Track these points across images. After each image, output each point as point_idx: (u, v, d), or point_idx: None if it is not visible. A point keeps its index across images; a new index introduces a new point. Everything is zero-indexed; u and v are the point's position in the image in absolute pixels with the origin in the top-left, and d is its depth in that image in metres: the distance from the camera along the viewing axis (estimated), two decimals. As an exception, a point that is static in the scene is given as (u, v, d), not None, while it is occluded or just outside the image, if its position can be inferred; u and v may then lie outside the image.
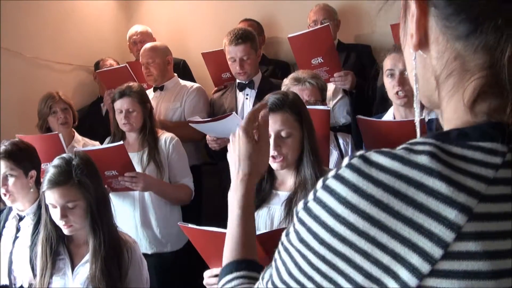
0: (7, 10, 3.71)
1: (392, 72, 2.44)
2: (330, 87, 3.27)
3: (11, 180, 2.49)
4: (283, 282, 0.68)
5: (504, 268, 0.57)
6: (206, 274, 1.76)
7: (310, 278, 0.64)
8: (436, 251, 0.57)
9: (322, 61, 3.07)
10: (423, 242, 0.57)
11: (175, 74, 3.78)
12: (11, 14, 3.76)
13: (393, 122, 2.42)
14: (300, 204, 0.67)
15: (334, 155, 2.63)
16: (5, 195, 2.49)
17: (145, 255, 2.35)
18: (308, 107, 2.34)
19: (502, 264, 0.57)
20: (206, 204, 3.69)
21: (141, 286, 2.16)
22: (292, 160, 1.94)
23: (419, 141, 0.63)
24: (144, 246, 2.94)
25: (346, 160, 0.64)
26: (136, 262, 2.14)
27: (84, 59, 4.46)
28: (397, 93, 2.41)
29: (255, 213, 1.94)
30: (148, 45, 3.73)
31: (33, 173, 2.53)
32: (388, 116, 2.57)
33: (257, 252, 1.58)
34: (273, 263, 0.72)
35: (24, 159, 2.53)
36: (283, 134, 1.90)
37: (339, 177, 0.62)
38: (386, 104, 2.73)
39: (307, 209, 0.65)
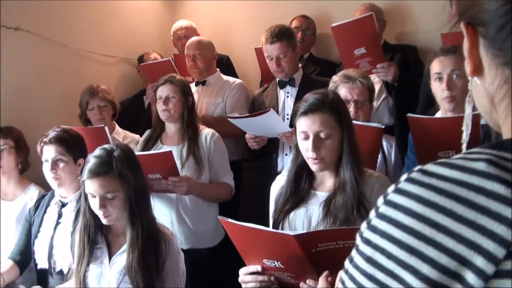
0: (56, 3, 3.80)
1: (440, 76, 2.39)
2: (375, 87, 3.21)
3: (61, 165, 2.55)
4: None
5: None
6: (242, 271, 1.75)
7: None
8: (499, 251, 0.58)
9: (365, 51, 3.02)
10: (487, 244, 0.59)
11: (218, 69, 3.79)
12: (59, 8, 3.84)
13: (445, 119, 2.35)
14: (363, 225, 0.69)
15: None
16: (54, 178, 2.55)
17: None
18: (361, 123, 2.31)
19: None
20: (244, 200, 3.68)
21: (177, 278, 2.17)
22: (331, 162, 1.91)
23: (474, 150, 0.66)
24: (179, 241, 2.93)
25: (404, 176, 0.67)
26: (173, 254, 2.14)
27: (128, 52, 4.52)
28: (446, 97, 2.36)
29: (292, 213, 1.93)
30: (195, 38, 3.77)
31: (81, 161, 2.58)
32: None
33: (295, 252, 1.57)
34: None
35: (74, 146, 2.60)
36: (322, 135, 1.86)
37: (400, 191, 0.66)
38: (431, 107, 2.67)
39: (371, 228, 0.67)
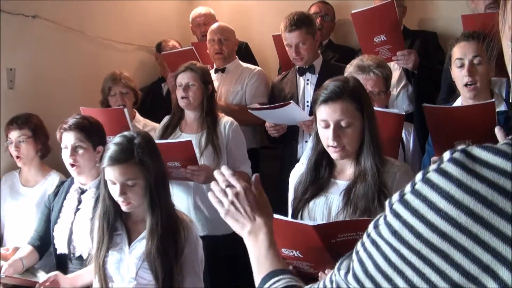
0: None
1: (461, 62, 2.36)
2: (394, 74, 3.17)
3: (80, 152, 2.56)
4: (368, 275, 0.67)
5: None
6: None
7: (400, 272, 0.63)
8: None
9: (385, 39, 2.99)
10: None
11: (236, 57, 3.78)
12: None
13: (462, 109, 2.33)
14: (395, 196, 0.66)
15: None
16: (72, 165, 2.56)
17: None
18: (381, 110, 2.28)
19: None
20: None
21: (196, 265, 2.18)
22: (352, 150, 1.88)
23: None
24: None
25: (447, 155, 0.62)
26: (192, 241, 2.15)
27: (145, 40, 4.50)
28: (466, 84, 2.33)
29: (312, 201, 1.92)
30: (219, 23, 3.78)
31: (100, 148, 2.59)
32: None
33: (314, 242, 1.57)
34: (354, 255, 0.71)
35: (94, 133, 2.61)
36: (342, 124, 1.83)
37: (442, 171, 0.61)
38: (452, 94, 2.64)
39: (403, 202, 0.64)
